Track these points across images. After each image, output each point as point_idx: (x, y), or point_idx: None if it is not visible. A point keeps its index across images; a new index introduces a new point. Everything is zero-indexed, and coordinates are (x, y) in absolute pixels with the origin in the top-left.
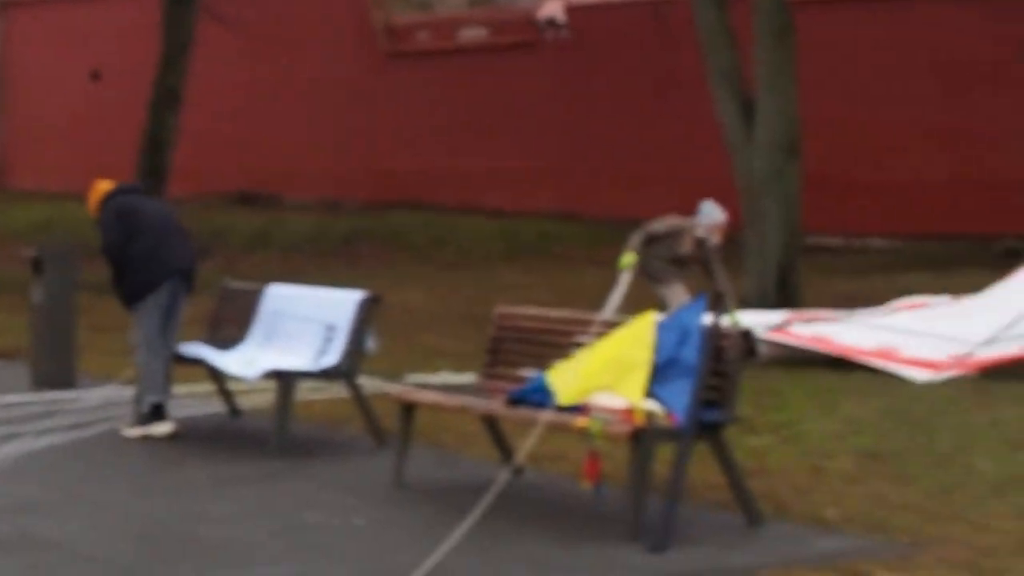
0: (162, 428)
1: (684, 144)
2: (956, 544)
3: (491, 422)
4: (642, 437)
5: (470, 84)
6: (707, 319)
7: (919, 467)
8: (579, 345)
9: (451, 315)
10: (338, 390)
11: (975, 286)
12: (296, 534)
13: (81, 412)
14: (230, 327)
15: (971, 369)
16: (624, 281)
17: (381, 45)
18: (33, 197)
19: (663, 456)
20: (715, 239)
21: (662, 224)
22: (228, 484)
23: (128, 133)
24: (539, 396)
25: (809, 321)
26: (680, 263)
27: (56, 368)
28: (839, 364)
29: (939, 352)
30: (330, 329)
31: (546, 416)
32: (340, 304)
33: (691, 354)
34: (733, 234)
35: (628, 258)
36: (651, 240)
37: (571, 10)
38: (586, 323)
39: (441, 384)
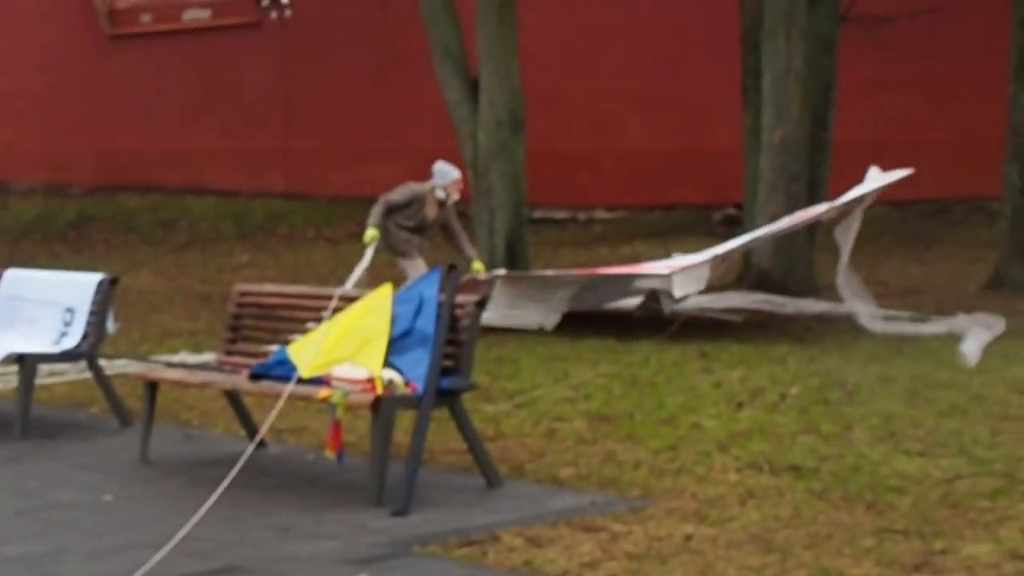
0: None
1: (409, 121)
2: (684, 496)
3: (234, 397)
4: (382, 405)
5: (195, 65)
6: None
7: (648, 427)
8: (319, 319)
9: (183, 296)
10: (80, 372)
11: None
12: (46, 512)
13: None
14: None
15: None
16: (367, 256)
17: (104, 27)
18: None
19: (404, 425)
20: (455, 195)
21: (399, 193)
22: None
23: None
24: (281, 369)
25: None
26: (423, 230)
27: None
28: (570, 332)
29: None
30: (69, 312)
31: (289, 388)
32: (79, 287)
33: (427, 324)
34: (462, 207)
35: (370, 232)
36: (392, 211)
37: None
38: (324, 298)
39: (181, 363)
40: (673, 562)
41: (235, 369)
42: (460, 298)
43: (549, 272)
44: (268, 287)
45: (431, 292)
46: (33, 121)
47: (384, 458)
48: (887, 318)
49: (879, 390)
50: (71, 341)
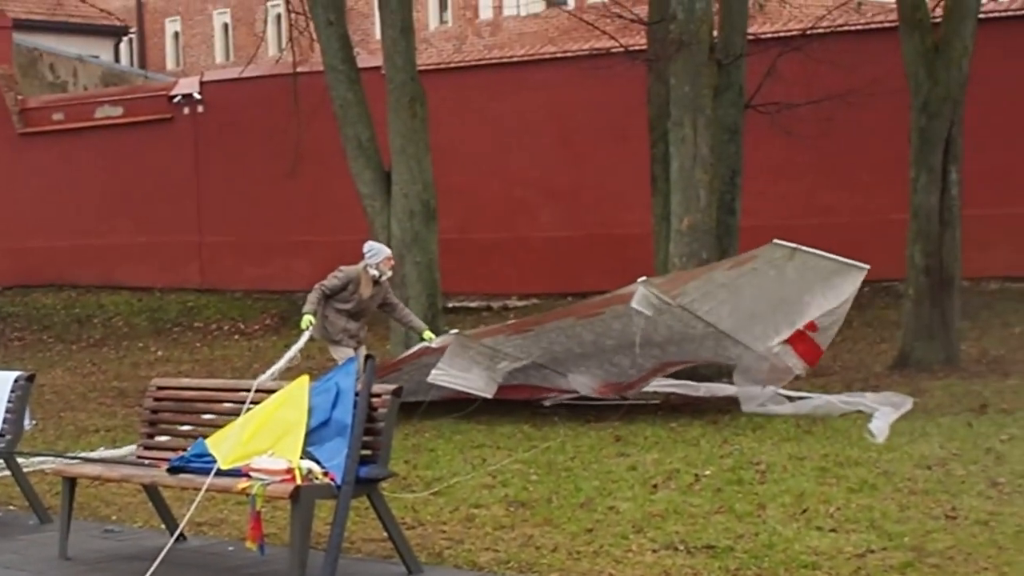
0: None
1: (322, 214)
2: None
3: (153, 492)
4: (301, 495)
5: (107, 161)
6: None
7: (565, 511)
8: (237, 412)
9: (99, 392)
10: None
11: None
12: None
13: None
14: None
15: None
16: (301, 341)
17: (15, 125)
18: None
19: (324, 514)
20: (387, 272)
21: (334, 278)
22: None
23: None
24: (200, 462)
25: None
26: (361, 313)
27: None
28: (487, 419)
29: None
30: None
31: (209, 481)
32: None
33: (345, 414)
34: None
35: (307, 319)
36: (328, 297)
37: (205, 84)
38: (241, 390)
39: (100, 458)
40: None
41: (154, 463)
42: (377, 388)
43: (509, 323)
44: (185, 381)
45: (348, 382)
46: None
47: (304, 548)
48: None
49: (791, 469)
50: None
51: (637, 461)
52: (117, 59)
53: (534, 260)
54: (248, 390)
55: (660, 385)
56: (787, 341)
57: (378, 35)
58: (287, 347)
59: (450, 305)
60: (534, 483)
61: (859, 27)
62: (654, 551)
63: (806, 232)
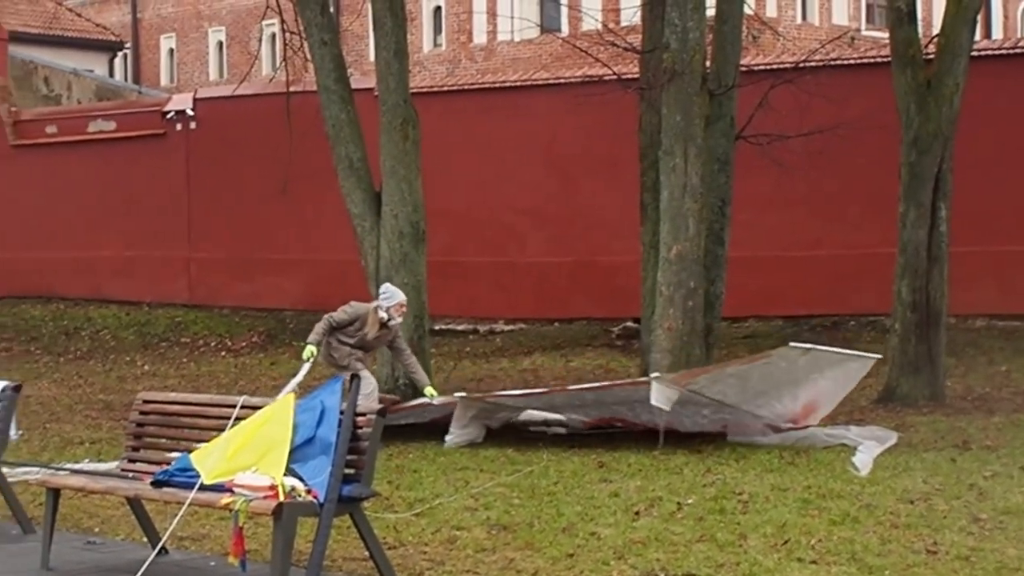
0: None
1: (312, 233)
2: None
3: (136, 504)
4: (284, 512)
5: (99, 175)
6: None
7: (547, 535)
8: (222, 427)
9: (85, 405)
10: None
11: (596, 366)
12: None
13: None
14: None
15: None
16: (302, 372)
17: (8, 137)
18: None
19: (306, 532)
20: (397, 319)
21: (343, 312)
22: None
23: None
24: (184, 476)
25: None
26: (366, 347)
27: None
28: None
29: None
30: None
31: (192, 495)
32: None
33: (329, 432)
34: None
35: (309, 350)
36: (334, 328)
37: (199, 101)
38: (227, 406)
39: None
40: None
41: (138, 476)
42: (362, 407)
43: (515, 392)
44: (172, 395)
45: (333, 401)
46: None
47: (286, 565)
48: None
49: (774, 499)
50: None
51: (620, 488)
52: (112, 74)
53: (522, 285)
54: (233, 406)
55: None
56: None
57: (372, 56)
58: (272, 364)
59: (437, 328)
60: (516, 507)
61: (852, 61)
62: None
63: (794, 264)
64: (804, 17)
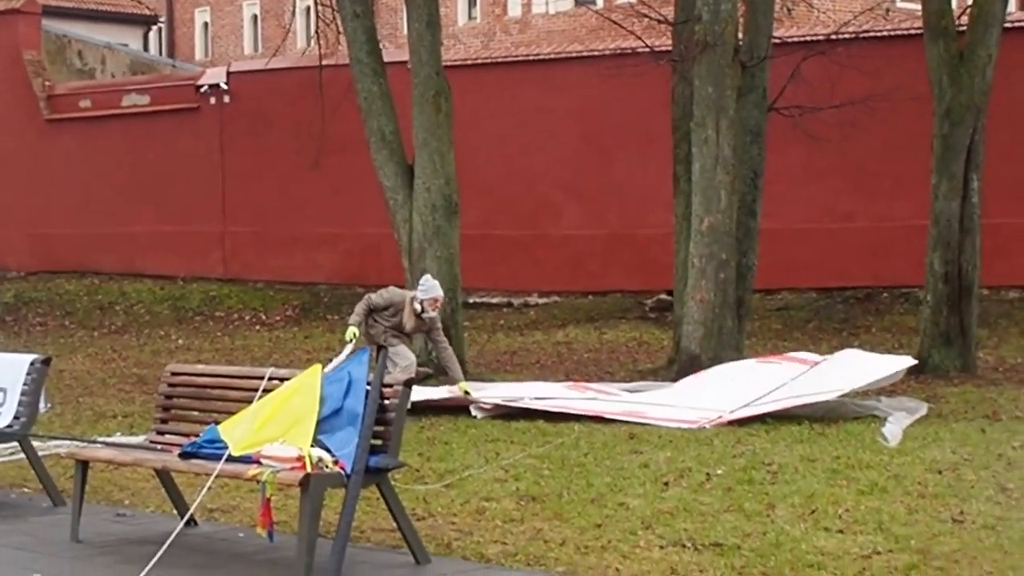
0: None
1: (345, 207)
2: (609, 573)
3: (165, 476)
4: (311, 483)
5: (133, 149)
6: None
7: (575, 506)
8: (250, 399)
9: (118, 379)
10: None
11: (630, 338)
12: None
13: None
14: None
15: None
16: (345, 352)
17: (42, 111)
18: None
19: (334, 503)
20: (430, 312)
21: (381, 297)
22: None
23: None
24: (212, 448)
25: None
26: (403, 332)
27: None
28: (502, 414)
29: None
30: (1, 392)
31: (219, 467)
32: (11, 367)
33: (356, 403)
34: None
35: (351, 331)
36: (373, 311)
37: (232, 75)
38: (255, 378)
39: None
40: None
41: (166, 448)
42: (389, 378)
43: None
44: (200, 367)
45: (360, 372)
46: None
47: (313, 535)
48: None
49: (803, 470)
50: (3, 420)
51: (650, 459)
52: (146, 48)
53: (555, 258)
54: (261, 378)
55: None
56: None
57: (405, 29)
58: (307, 338)
59: (470, 301)
60: (546, 478)
61: (885, 33)
62: (662, 547)
63: (826, 236)
64: None
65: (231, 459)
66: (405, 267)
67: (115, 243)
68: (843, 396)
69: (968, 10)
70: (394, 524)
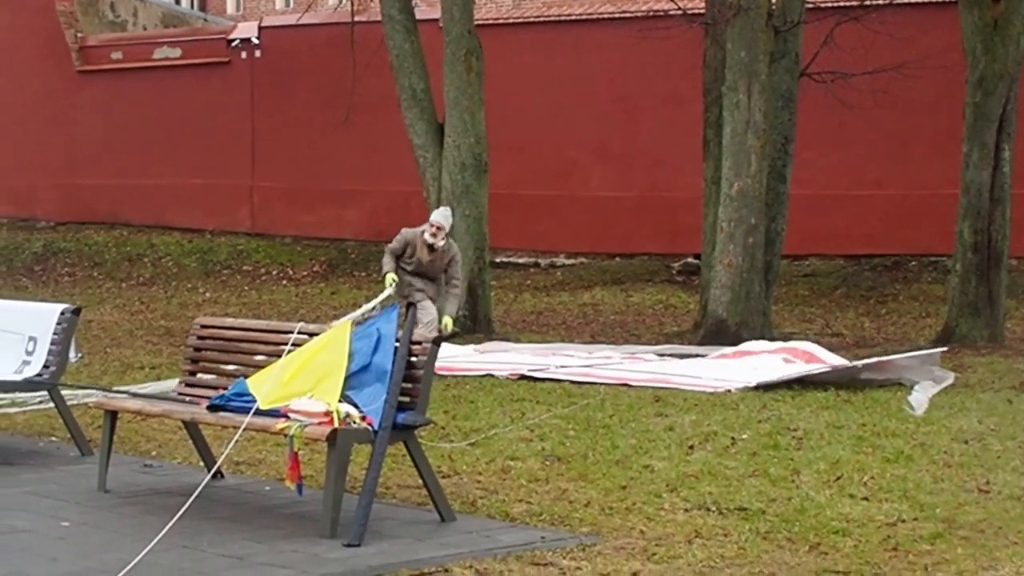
0: None
1: (374, 163)
2: (633, 534)
3: (192, 429)
4: (338, 438)
5: (163, 102)
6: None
7: (600, 467)
8: (278, 353)
9: (146, 331)
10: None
11: (656, 301)
12: (3, 537)
13: None
14: None
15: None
16: (384, 294)
17: (74, 63)
18: None
19: (360, 459)
20: (433, 239)
21: (397, 241)
22: None
23: None
24: (240, 401)
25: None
26: (425, 274)
27: None
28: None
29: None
30: (32, 341)
31: (247, 420)
32: (41, 316)
33: (385, 360)
34: None
35: (390, 276)
36: (398, 257)
37: (264, 30)
38: (284, 332)
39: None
40: None
41: (194, 400)
42: (417, 335)
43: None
44: (229, 320)
45: (389, 329)
46: (2, 155)
47: (339, 491)
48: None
49: (828, 436)
50: (33, 370)
51: (675, 422)
52: (178, 1)
53: (583, 219)
54: (290, 332)
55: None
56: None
57: None
58: (333, 294)
59: (498, 260)
60: (571, 439)
61: None
62: (686, 510)
63: (856, 203)
64: None
65: (259, 413)
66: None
67: (144, 195)
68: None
69: None
70: (420, 481)
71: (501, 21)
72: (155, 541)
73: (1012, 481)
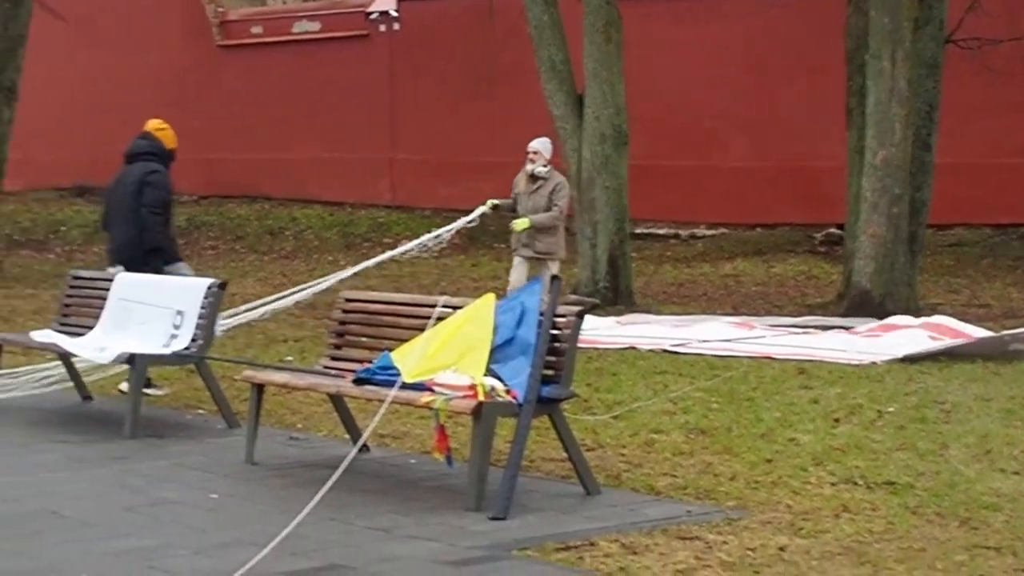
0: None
1: (514, 135)
2: (779, 509)
3: (338, 402)
4: (484, 412)
5: (303, 76)
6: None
7: (745, 441)
8: (422, 326)
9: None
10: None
11: (799, 272)
12: (153, 509)
13: None
14: (80, 314)
15: None
16: (475, 214)
17: (214, 38)
18: None
19: (504, 433)
20: (531, 164)
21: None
22: (84, 464)
23: None
24: (385, 375)
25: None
26: (527, 207)
27: None
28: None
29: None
30: (179, 315)
31: (393, 393)
32: (188, 290)
33: (529, 333)
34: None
35: (490, 203)
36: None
37: (402, 2)
38: (428, 306)
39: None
40: (766, 572)
41: (340, 374)
42: (561, 308)
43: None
44: (373, 294)
45: (533, 302)
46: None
47: (484, 464)
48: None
49: (976, 409)
50: (181, 343)
51: (820, 395)
52: None
53: (724, 190)
54: (434, 306)
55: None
56: None
57: None
58: (473, 266)
59: (638, 231)
60: (715, 411)
61: None
62: (833, 484)
63: (1003, 172)
64: None
65: (404, 386)
66: (574, 197)
67: (285, 169)
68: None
69: None
70: (564, 454)
71: None
72: (303, 513)
73: None
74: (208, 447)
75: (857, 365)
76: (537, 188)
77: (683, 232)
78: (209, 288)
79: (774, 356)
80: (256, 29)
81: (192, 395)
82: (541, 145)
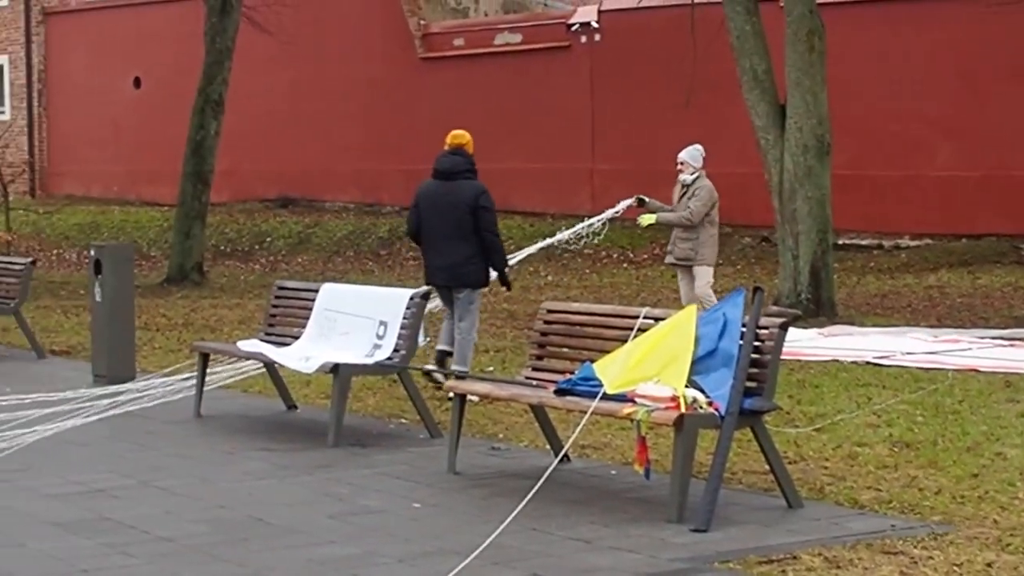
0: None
1: (715, 146)
2: (986, 524)
3: (539, 412)
4: (685, 423)
5: (504, 87)
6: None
7: (950, 454)
8: (624, 338)
9: (489, 314)
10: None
11: (1005, 283)
12: (357, 517)
13: (145, 405)
14: (285, 324)
15: None
16: (620, 207)
17: (417, 51)
18: (77, 202)
19: (705, 444)
20: (683, 174)
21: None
22: (288, 472)
23: (170, 139)
24: (586, 386)
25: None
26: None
27: (117, 363)
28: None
29: None
30: (382, 325)
31: (594, 404)
32: (392, 301)
33: (731, 345)
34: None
35: (648, 218)
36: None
37: (603, 13)
38: (630, 317)
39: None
40: None
41: (541, 384)
42: (764, 320)
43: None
44: (575, 305)
45: (735, 313)
46: (347, 142)
47: (686, 476)
48: None
49: None
50: (383, 353)
51: None
52: None
53: (928, 199)
54: (636, 317)
55: None
56: None
57: None
58: (673, 277)
59: (840, 242)
60: (919, 424)
61: None
62: None
63: None
64: None
65: (605, 397)
66: (775, 207)
67: (487, 180)
68: None
69: None
70: (766, 466)
71: (843, 0)
72: (505, 523)
73: None
74: (410, 456)
75: None
76: (684, 195)
77: (886, 243)
78: (412, 299)
79: (980, 368)
80: (458, 41)
81: (395, 405)
82: (687, 155)
